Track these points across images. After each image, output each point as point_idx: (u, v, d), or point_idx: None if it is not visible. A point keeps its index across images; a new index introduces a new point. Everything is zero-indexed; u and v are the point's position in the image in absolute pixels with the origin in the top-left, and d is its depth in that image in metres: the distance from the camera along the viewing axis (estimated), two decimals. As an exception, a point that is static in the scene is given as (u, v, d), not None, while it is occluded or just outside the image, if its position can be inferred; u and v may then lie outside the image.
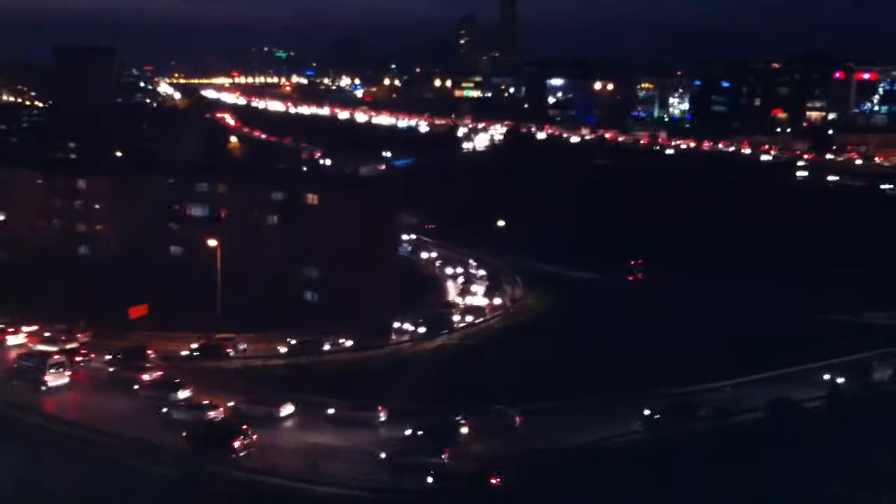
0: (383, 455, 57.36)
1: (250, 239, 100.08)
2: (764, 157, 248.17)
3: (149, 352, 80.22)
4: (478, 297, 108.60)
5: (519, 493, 52.96)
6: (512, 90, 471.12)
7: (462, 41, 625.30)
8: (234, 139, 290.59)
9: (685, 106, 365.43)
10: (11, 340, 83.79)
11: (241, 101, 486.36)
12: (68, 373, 72.79)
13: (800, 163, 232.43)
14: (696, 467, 54.80)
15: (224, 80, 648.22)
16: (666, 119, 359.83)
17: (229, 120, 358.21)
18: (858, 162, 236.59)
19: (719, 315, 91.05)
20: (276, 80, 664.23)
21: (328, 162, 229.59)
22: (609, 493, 52.60)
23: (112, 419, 63.42)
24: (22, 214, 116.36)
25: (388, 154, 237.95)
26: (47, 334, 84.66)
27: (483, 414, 63.73)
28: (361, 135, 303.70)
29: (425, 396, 67.72)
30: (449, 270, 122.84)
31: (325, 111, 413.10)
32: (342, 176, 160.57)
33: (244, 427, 60.40)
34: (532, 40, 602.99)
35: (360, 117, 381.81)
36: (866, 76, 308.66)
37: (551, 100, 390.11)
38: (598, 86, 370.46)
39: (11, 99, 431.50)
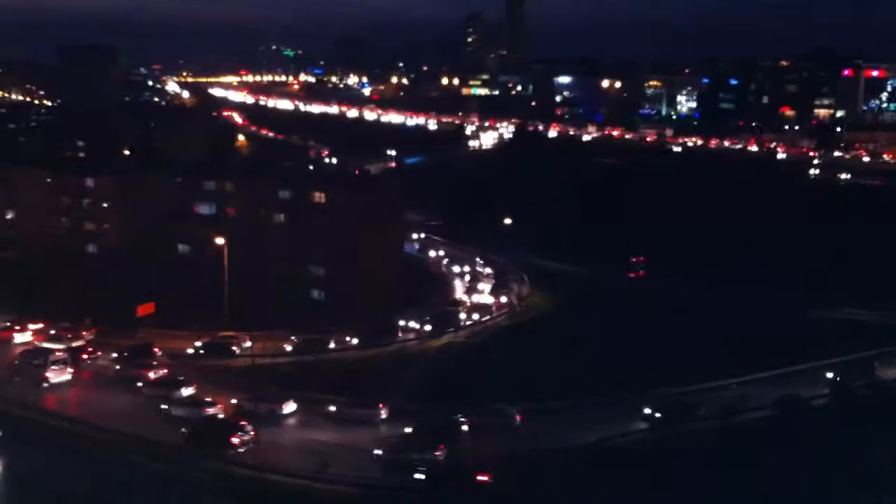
0: (378, 452, 57.60)
1: (257, 237, 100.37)
2: (780, 156, 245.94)
3: (155, 350, 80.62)
4: (484, 295, 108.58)
5: (508, 490, 52.92)
6: (519, 88, 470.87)
7: (469, 39, 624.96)
8: (241, 137, 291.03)
9: (693, 104, 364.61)
10: (18, 338, 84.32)
11: (249, 99, 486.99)
12: (70, 369, 73.12)
13: (816, 161, 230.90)
14: (699, 466, 54.81)
15: (232, 79, 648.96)
16: (674, 117, 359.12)
17: (237, 118, 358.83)
18: (866, 159, 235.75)
19: (721, 314, 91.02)
20: (283, 78, 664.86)
21: (336, 160, 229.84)
22: (604, 492, 52.63)
23: (113, 416, 63.87)
24: (30, 213, 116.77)
25: (395, 152, 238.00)
26: (53, 332, 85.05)
27: (483, 412, 63.81)
28: (370, 133, 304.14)
29: (428, 395, 67.86)
30: (456, 268, 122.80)
31: (334, 110, 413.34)
32: (350, 174, 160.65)
33: (243, 423, 60.65)
34: (539, 39, 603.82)
35: (370, 116, 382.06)
36: (875, 74, 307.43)
37: (558, 98, 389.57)
38: (605, 84, 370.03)
39: (20, 98, 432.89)
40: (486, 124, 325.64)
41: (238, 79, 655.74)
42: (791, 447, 58.39)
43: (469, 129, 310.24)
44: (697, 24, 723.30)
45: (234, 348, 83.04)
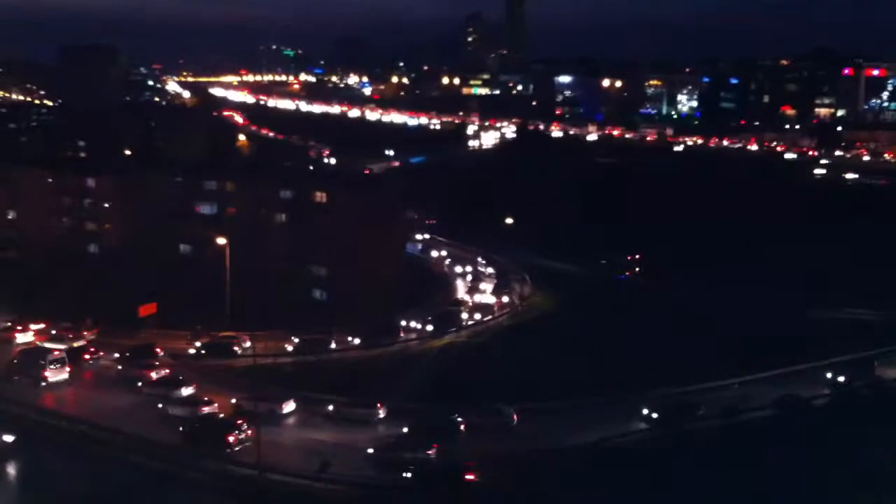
0: (370, 451, 57.71)
1: (258, 237, 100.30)
2: (789, 156, 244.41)
3: (157, 350, 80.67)
4: (486, 295, 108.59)
5: (496, 490, 52.90)
6: (520, 88, 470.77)
7: (469, 39, 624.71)
8: (242, 137, 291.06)
9: (694, 103, 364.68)
10: (20, 338, 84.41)
11: (250, 99, 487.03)
12: (67, 369, 73.36)
13: (823, 161, 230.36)
14: (699, 466, 54.76)
15: (232, 79, 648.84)
16: (674, 116, 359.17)
17: (237, 118, 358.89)
18: (866, 158, 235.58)
19: (722, 313, 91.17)
20: (284, 78, 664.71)
21: (338, 160, 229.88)
22: (597, 491, 52.68)
23: (111, 415, 63.94)
24: (31, 213, 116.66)
25: (394, 152, 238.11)
26: (54, 332, 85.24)
27: (480, 412, 63.89)
28: (372, 133, 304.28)
29: (430, 395, 67.88)
30: (458, 268, 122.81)
31: (335, 109, 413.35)
32: (350, 174, 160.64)
33: (239, 422, 60.79)
34: (539, 38, 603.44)
35: (371, 115, 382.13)
36: (875, 73, 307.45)
37: (559, 97, 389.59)
38: (605, 83, 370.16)
39: (20, 98, 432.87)
40: (486, 124, 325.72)
41: (238, 78, 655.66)
42: (791, 447, 58.35)
43: (471, 129, 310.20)
44: (697, 24, 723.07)
45: (236, 348, 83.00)
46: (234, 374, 76.58)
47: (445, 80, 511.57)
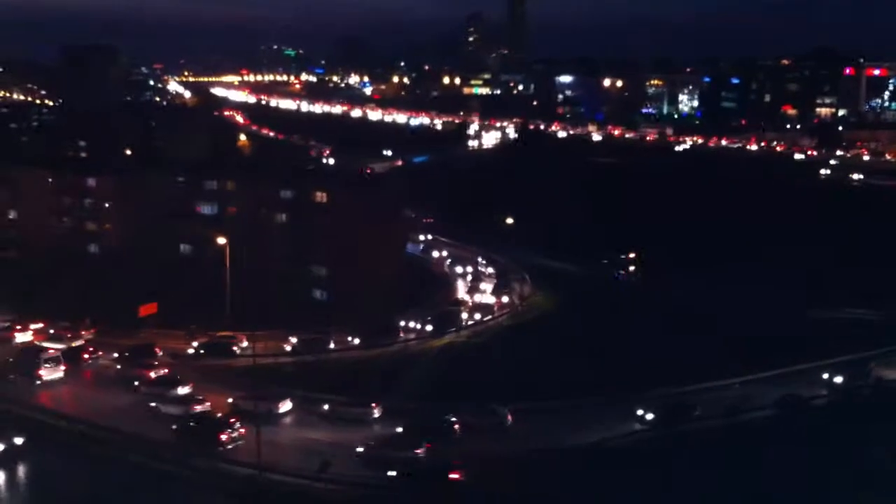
0: (360, 449, 57.78)
1: (259, 237, 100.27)
2: (798, 157, 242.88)
3: (157, 350, 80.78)
4: (486, 294, 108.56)
5: (481, 489, 52.94)
6: (521, 88, 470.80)
7: (470, 39, 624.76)
8: (242, 137, 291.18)
9: (695, 103, 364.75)
10: (19, 338, 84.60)
11: (251, 99, 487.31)
12: (63, 367, 73.83)
13: (832, 161, 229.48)
14: (695, 467, 54.69)
15: (233, 79, 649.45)
16: (675, 116, 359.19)
17: (238, 118, 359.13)
18: (866, 158, 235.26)
19: (723, 313, 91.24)
20: (285, 78, 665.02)
21: (339, 159, 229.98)
22: (579, 492, 52.72)
23: (105, 413, 64.26)
24: (32, 213, 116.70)
25: (398, 152, 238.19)
26: (52, 332, 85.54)
27: (474, 412, 63.94)
28: (374, 133, 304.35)
29: (428, 394, 67.90)
30: (458, 268, 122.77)
31: (337, 109, 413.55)
32: (352, 173, 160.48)
33: (232, 420, 60.99)
34: (540, 38, 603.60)
35: (373, 115, 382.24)
36: (876, 72, 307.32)
37: (560, 97, 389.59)
38: (606, 83, 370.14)
39: (21, 98, 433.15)
40: (487, 123, 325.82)
41: (239, 78, 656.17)
42: (792, 447, 58.25)
43: (472, 129, 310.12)
44: (698, 24, 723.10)
45: (235, 348, 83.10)
46: (233, 373, 76.61)
47: (446, 80, 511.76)
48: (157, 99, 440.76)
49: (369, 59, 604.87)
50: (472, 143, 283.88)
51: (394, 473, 54.13)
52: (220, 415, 63.53)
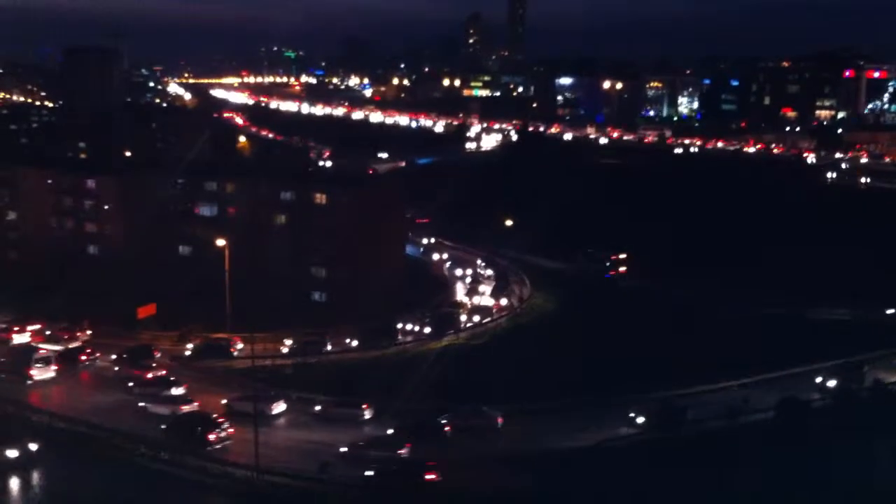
0: (344, 449, 58.06)
1: (258, 238, 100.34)
2: (810, 160, 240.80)
3: (155, 352, 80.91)
4: (485, 297, 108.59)
5: (456, 489, 53.19)
6: (520, 89, 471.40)
7: (470, 41, 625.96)
8: (242, 139, 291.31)
9: (694, 105, 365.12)
10: (17, 339, 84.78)
11: (250, 100, 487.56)
12: (54, 367, 74.41)
13: (843, 164, 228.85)
14: (695, 470, 54.53)
15: (233, 80, 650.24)
16: (675, 118, 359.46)
17: (238, 120, 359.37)
18: (864, 160, 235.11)
19: (721, 315, 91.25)
20: (285, 79, 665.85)
21: (339, 160, 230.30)
22: (559, 493, 52.73)
23: (92, 411, 64.77)
24: (32, 214, 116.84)
25: (398, 154, 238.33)
26: (48, 333, 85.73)
27: (465, 414, 64.09)
28: (375, 134, 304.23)
29: (422, 396, 67.79)
30: (458, 270, 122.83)
31: (338, 111, 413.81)
32: (351, 174, 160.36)
33: (220, 420, 61.38)
34: (540, 39, 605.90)
35: (375, 117, 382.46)
36: (876, 75, 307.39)
37: (560, 98, 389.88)
38: (606, 85, 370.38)
39: (21, 99, 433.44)
40: (486, 125, 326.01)
41: (239, 80, 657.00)
42: (790, 449, 58.10)
43: (473, 131, 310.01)
44: (698, 25, 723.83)
45: (233, 350, 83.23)
46: (231, 375, 76.71)
47: (446, 82, 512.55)
48: (158, 100, 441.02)
49: (369, 60, 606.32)
50: (470, 145, 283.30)
51: (371, 473, 54.53)
52: (212, 415, 63.64)
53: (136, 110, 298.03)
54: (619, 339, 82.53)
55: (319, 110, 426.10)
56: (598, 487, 53.12)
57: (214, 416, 62.77)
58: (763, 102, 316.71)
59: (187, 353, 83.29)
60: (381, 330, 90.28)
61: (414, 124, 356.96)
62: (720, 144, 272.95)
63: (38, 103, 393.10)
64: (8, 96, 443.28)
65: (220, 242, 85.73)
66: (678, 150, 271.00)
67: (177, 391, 69.21)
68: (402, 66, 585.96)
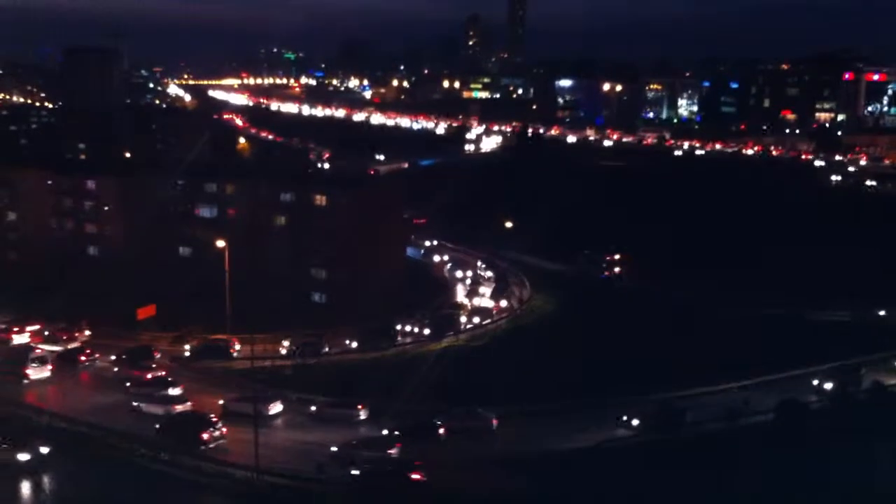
0: (334, 449, 58.32)
1: (258, 239, 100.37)
2: (818, 163, 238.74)
3: (155, 353, 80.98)
4: (485, 298, 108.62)
5: (442, 490, 53.46)
6: (520, 91, 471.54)
7: (470, 42, 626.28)
8: (242, 140, 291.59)
9: (694, 107, 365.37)
10: (17, 339, 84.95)
11: (250, 102, 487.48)
12: (49, 367, 74.84)
13: (851, 167, 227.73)
14: (693, 473, 54.55)
15: (233, 81, 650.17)
16: (675, 120, 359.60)
17: (238, 121, 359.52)
18: (863, 163, 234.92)
19: (720, 317, 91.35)
20: (284, 81, 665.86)
21: (339, 162, 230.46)
22: (551, 499, 52.74)
23: (90, 411, 65.16)
24: (32, 215, 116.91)
25: (399, 155, 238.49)
26: (47, 333, 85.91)
27: (460, 416, 64.21)
28: (377, 136, 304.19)
29: (422, 397, 67.79)
30: (458, 272, 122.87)
31: (339, 113, 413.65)
32: (351, 176, 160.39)
33: (214, 420, 61.67)
34: (540, 41, 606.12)
35: (376, 119, 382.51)
36: (876, 77, 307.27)
37: (560, 100, 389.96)
38: (606, 87, 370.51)
39: (21, 100, 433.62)
40: (487, 127, 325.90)
41: (239, 81, 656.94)
42: (789, 451, 58.09)
43: (473, 133, 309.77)
44: (698, 27, 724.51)
45: (233, 351, 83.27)
46: (230, 376, 76.73)
47: (446, 84, 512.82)
48: (157, 102, 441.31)
49: (369, 62, 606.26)
50: (469, 147, 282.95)
51: (357, 472, 54.85)
52: (206, 415, 63.90)
53: (135, 111, 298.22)
54: (618, 341, 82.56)
55: (319, 112, 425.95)
56: (593, 489, 53.12)
57: (208, 415, 63.08)
58: (763, 105, 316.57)
59: (186, 354, 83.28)
60: (381, 331, 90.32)
61: (416, 126, 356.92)
62: (718, 146, 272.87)
63: (37, 104, 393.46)
64: (8, 97, 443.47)
65: (220, 243, 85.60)
66: (678, 153, 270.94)
67: (174, 392, 69.28)
68: (402, 67, 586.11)
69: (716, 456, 57.49)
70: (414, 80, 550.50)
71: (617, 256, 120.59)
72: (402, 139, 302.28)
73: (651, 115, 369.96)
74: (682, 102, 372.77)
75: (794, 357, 76.26)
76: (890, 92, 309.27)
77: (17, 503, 53.35)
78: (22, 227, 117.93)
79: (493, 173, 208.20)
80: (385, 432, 62.41)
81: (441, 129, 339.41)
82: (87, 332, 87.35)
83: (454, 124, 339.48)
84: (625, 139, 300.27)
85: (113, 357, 79.40)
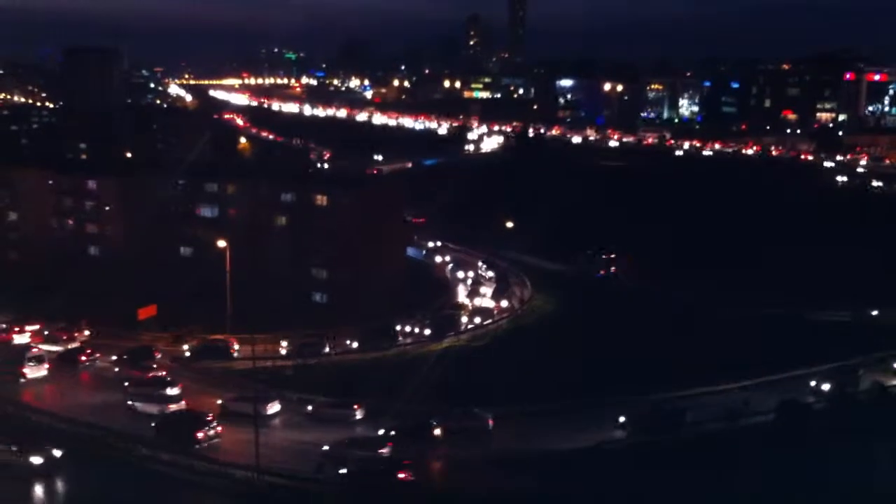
0: (326, 448, 58.63)
1: (259, 239, 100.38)
2: (828, 164, 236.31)
3: (156, 353, 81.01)
4: (486, 298, 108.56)
5: (428, 488, 53.83)
6: (521, 91, 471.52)
7: (471, 42, 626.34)
8: (243, 140, 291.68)
9: (695, 107, 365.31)
10: (17, 339, 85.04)
11: (252, 102, 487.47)
12: (46, 366, 75.24)
13: (860, 168, 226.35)
14: (690, 474, 54.46)
15: (234, 81, 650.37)
16: (676, 120, 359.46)
17: (239, 121, 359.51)
18: (863, 162, 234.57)
19: (717, 317, 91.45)
20: (285, 81, 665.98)
21: (340, 162, 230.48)
22: (546, 499, 52.88)
23: (88, 410, 65.52)
24: (33, 215, 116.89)
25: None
26: (47, 333, 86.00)
27: (456, 416, 64.24)
28: (377, 136, 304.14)
29: (423, 397, 67.76)
30: (460, 272, 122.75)
31: (341, 113, 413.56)
32: (352, 176, 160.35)
33: (209, 418, 62.02)
34: (540, 41, 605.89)
35: (378, 119, 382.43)
36: (877, 77, 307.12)
37: (561, 100, 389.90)
38: (607, 87, 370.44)
39: (21, 100, 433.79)
40: (488, 127, 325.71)
41: (240, 81, 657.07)
42: (789, 451, 58.05)
43: (475, 133, 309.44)
44: (698, 27, 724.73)
45: (233, 352, 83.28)
46: (230, 376, 76.82)
47: (446, 83, 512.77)
48: (158, 102, 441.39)
49: (370, 62, 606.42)
50: (469, 147, 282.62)
51: (345, 471, 55.15)
52: (201, 414, 64.10)
53: (136, 111, 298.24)
54: (619, 341, 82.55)
55: (321, 112, 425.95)
56: (592, 490, 53.12)
57: (203, 414, 63.38)
58: (763, 105, 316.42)
59: (187, 354, 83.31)
60: (382, 331, 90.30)
61: (418, 126, 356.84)
62: (717, 146, 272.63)
63: (38, 104, 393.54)
64: (8, 97, 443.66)
65: (221, 243, 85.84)
66: (679, 153, 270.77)
67: (171, 391, 69.22)
68: (403, 67, 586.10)
69: (716, 456, 57.47)
70: (415, 80, 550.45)
71: (613, 255, 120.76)
72: (405, 139, 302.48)
73: (652, 115, 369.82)
74: (682, 102, 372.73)
75: (795, 357, 76.21)
76: (891, 92, 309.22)
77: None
78: (23, 226, 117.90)
79: (494, 173, 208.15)
80: (381, 432, 62.53)
81: (443, 129, 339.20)
82: (87, 333, 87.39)
83: (455, 124, 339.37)
84: (625, 139, 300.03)
85: (114, 357, 79.45)
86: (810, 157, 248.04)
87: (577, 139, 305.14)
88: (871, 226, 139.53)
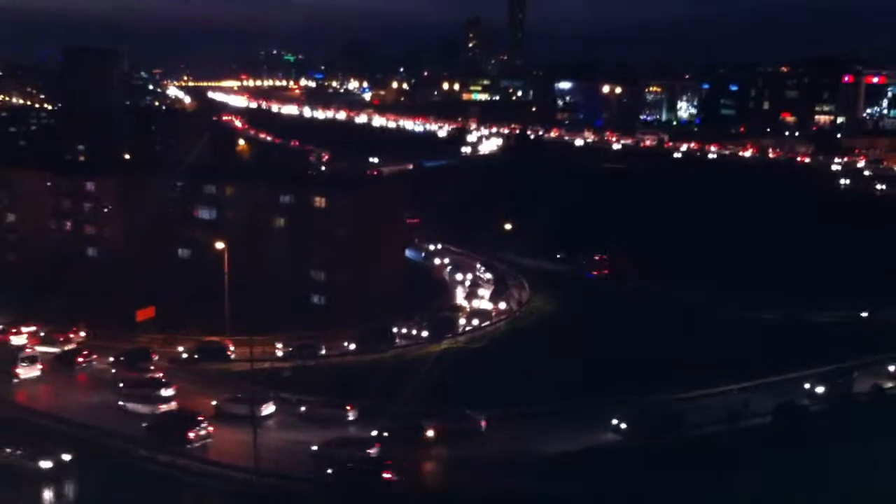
0: (314, 448, 58.95)
1: (258, 241, 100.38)
2: (834, 167, 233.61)
3: (153, 354, 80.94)
4: (484, 300, 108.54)
5: (413, 490, 54.16)
6: (520, 93, 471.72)
7: (470, 45, 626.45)
8: (241, 142, 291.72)
9: (694, 110, 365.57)
10: (14, 340, 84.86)
11: (251, 104, 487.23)
12: (39, 366, 75.40)
13: (866, 172, 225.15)
14: (671, 481, 54.27)
15: (233, 83, 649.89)
16: (674, 123, 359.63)
17: (237, 123, 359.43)
18: (860, 164, 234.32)
19: (717, 318, 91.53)
20: (284, 83, 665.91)
21: (339, 164, 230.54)
22: (540, 500, 52.91)
23: (80, 410, 65.82)
24: (31, 216, 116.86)
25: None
26: (43, 335, 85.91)
27: (449, 418, 64.26)
28: (378, 138, 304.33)
29: (420, 399, 67.70)
30: (458, 274, 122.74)
31: (340, 115, 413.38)
32: (352, 177, 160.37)
33: (200, 418, 62.38)
34: (539, 43, 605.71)
35: (377, 121, 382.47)
36: (875, 80, 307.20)
37: (559, 103, 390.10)
38: (605, 89, 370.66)
39: (20, 101, 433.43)
40: (485, 130, 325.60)
41: (239, 83, 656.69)
42: (788, 452, 58.02)
43: (475, 135, 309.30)
44: (697, 30, 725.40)
45: (230, 353, 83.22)
46: (228, 377, 76.64)
47: (445, 86, 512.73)
48: (157, 103, 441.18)
49: (369, 64, 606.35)
50: (466, 150, 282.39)
51: (330, 471, 55.36)
52: (192, 414, 64.27)
53: (135, 113, 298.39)
54: (618, 342, 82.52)
55: (320, 114, 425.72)
56: (592, 490, 53.04)
57: (194, 415, 63.65)
58: (762, 107, 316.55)
59: (184, 356, 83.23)
60: (380, 333, 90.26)
61: (418, 128, 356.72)
62: (713, 149, 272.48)
63: (37, 105, 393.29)
64: (8, 98, 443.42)
65: (220, 245, 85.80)
66: (677, 155, 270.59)
67: (165, 392, 69.31)
68: (402, 69, 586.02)
69: (715, 457, 57.42)
70: (414, 82, 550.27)
71: (605, 257, 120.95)
72: (405, 141, 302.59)
73: (651, 117, 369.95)
74: (681, 105, 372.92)
75: (794, 359, 76.16)
76: (889, 94, 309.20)
77: None
78: (21, 228, 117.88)
79: (493, 175, 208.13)
80: (374, 433, 62.64)
81: (443, 131, 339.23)
82: (83, 334, 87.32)
83: (455, 126, 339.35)
84: (623, 141, 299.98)
85: (111, 359, 79.40)
86: (807, 160, 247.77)
87: (579, 142, 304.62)
88: (870, 226, 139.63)
